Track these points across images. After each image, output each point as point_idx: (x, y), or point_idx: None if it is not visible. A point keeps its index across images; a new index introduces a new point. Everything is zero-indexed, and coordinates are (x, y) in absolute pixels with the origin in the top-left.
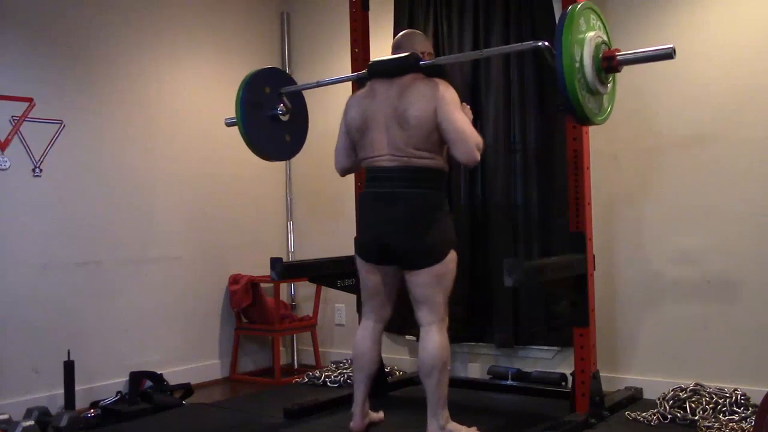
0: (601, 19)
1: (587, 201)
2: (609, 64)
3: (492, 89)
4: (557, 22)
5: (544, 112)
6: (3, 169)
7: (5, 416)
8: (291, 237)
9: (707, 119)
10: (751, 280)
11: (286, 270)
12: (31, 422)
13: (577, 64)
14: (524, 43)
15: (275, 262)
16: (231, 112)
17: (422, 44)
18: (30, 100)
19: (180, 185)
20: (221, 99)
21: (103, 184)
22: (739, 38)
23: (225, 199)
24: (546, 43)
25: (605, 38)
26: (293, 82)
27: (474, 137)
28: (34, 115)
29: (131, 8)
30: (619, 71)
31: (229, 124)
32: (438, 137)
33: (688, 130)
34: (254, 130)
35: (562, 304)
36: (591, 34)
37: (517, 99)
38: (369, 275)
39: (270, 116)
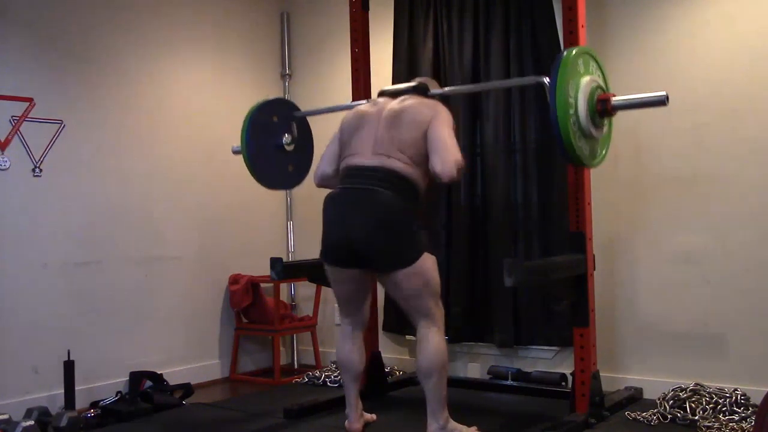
0: (597, 63)
1: (587, 201)
2: (603, 107)
3: (492, 89)
4: (553, 64)
5: (544, 112)
6: (3, 169)
7: (5, 416)
8: (291, 237)
9: (708, 121)
10: (750, 280)
11: (285, 270)
12: (31, 422)
13: (572, 110)
14: (526, 77)
15: (275, 262)
16: (230, 113)
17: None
18: (30, 100)
19: (180, 185)
20: (221, 99)
21: (103, 184)
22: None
23: (225, 199)
24: (548, 79)
25: (601, 82)
26: (296, 109)
27: (455, 153)
28: (34, 115)
29: (131, 8)
30: (613, 115)
31: (235, 152)
32: (424, 149)
33: (687, 133)
34: (259, 159)
35: (562, 304)
36: (586, 78)
37: (517, 99)
38: (339, 280)
39: (275, 145)
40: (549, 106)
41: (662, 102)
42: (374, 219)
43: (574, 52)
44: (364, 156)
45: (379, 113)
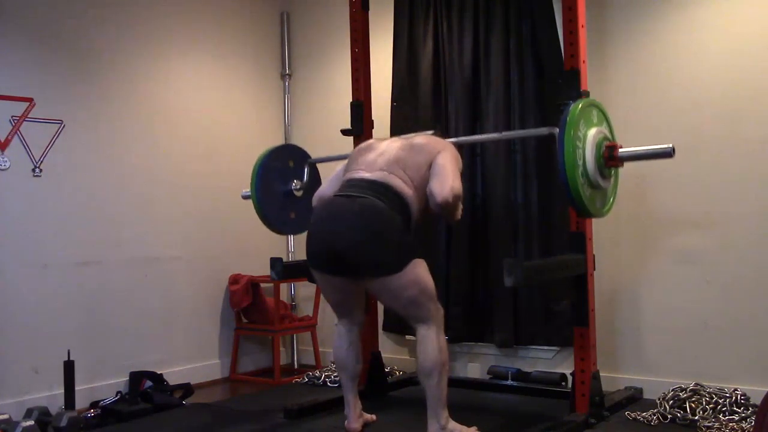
0: (604, 114)
1: None
2: (610, 153)
3: (492, 89)
4: (561, 117)
5: (544, 112)
6: (3, 169)
7: (5, 416)
8: (291, 237)
9: (707, 121)
10: (750, 280)
11: (285, 270)
12: (31, 422)
13: (580, 161)
14: (538, 129)
15: (275, 262)
16: (230, 113)
17: None
18: (30, 100)
19: (180, 185)
20: (221, 98)
21: (103, 184)
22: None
23: (225, 199)
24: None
25: (607, 133)
26: (304, 155)
27: (455, 182)
28: (34, 115)
29: (132, 8)
30: (620, 166)
31: (245, 197)
32: (426, 176)
33: (687, 133)
34: (268, 204)
35: (562, 304)
36: (593, 130)
37: (517, 99)
38: (326, 286)
39: (285, 191)
40: (557, 156)
41: (668, 154)
42: (361, 224)
43: (580, 105)
44: (366, 171)
45: (391, 143)
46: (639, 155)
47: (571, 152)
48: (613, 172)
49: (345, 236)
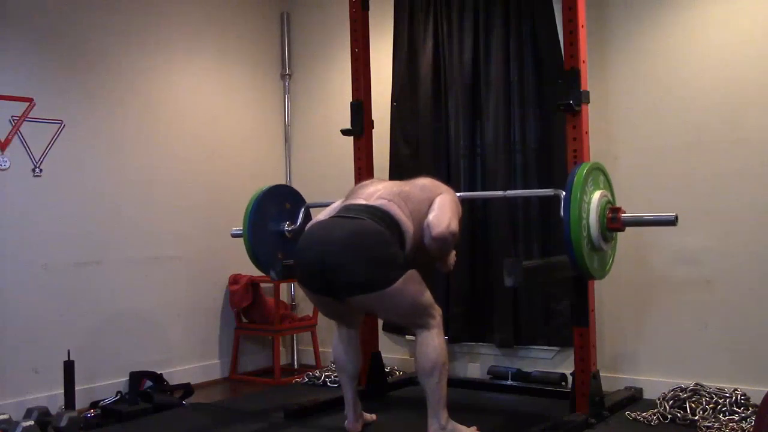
0: (606, 177)
1: None
2: (614, 215)
3: (492, 89)
4: (567, 181)
5: (544, 112)
6: (3, 169)
7: (5, 416)
8: None
9: (707, 121)
10: (750, 280)
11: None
12: (31, 422)
13: (584, 224)
14: (543, 190)
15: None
16: (230, 113)
17: None
18: (30, 100)
19: (180, 185)
20: (221, 99)
21: (103, 184)
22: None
23: (225, 199)
24: (564, 193)
25: (610, 197)
26: (301, 199)
27: (453, 220)
28: (34, 115)
29: (132, 8)
30: (622, 230)
31: (234, 236)
32: (425, 211)
33: (687, 133)
34: (259, 244)
35: (562, 304)
36: (597, 194)
37: (517, 99)
38: (315, 303)
39: (275, 231)
40: (563, 218)
41: (671, 222)
42: (352, 241)
43: (585, 169)
44: (365, 199)
45: (392, 182)
46: (641, 221)
47: (576, 215)
48: (614, 235)
49: (335, 252)
